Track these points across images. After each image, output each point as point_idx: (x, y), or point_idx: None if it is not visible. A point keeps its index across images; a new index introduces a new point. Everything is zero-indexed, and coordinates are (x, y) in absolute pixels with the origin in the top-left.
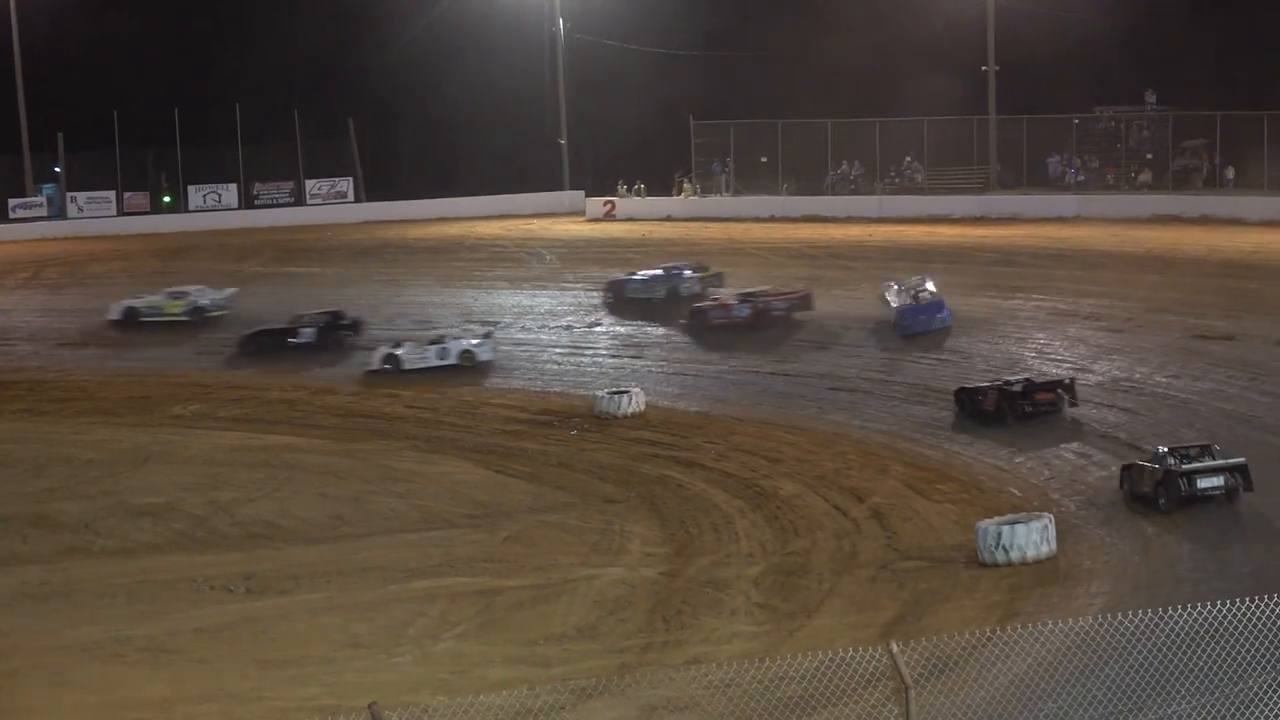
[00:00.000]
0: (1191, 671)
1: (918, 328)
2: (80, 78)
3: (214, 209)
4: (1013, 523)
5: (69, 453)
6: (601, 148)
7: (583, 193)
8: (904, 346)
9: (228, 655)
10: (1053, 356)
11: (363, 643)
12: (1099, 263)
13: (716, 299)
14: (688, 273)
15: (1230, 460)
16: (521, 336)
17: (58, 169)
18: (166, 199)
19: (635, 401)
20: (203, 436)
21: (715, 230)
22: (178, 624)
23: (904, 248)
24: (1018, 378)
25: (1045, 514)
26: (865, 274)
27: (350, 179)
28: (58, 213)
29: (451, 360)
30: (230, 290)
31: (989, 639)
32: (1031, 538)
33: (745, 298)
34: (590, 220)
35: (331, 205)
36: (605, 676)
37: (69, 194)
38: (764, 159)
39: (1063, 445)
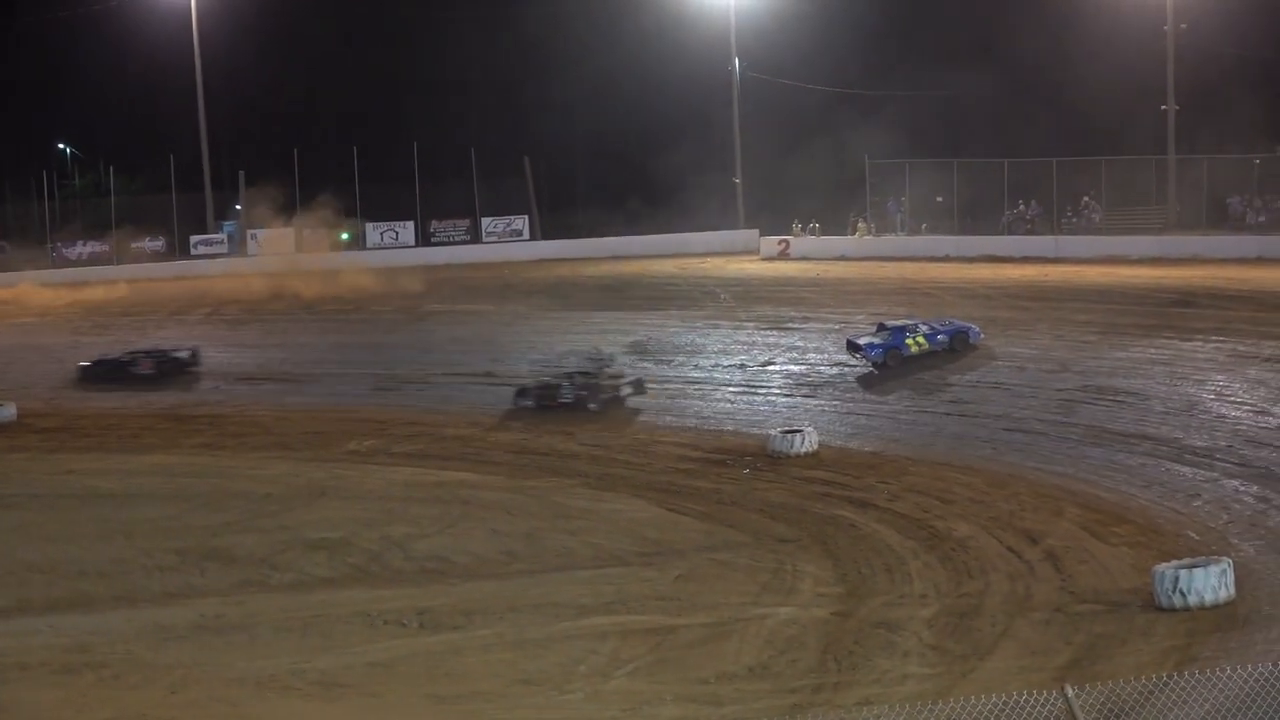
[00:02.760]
0: None
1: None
2: (260, 116)
3: (391, 246)
4: (1190, 566)
5: (246, 487)
6: (776, 186)
7: (757, 231)
8: (1082, 390)
9: (400, 690)
10: (1232, 399)
11: (534, 679)
12: None
13: None
14: None
15: (634, 376)
16: (695, 375)
17: (238, 206)
18: (344, 236)
19: (808, 441)
20: (377, 472)
21: (890, 270)
22: (351, 658)
23: (1080, 288)
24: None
25: (1224, 558)
26: (1040, 314)
27: (526, 217)
28: (237, 250)
29: None
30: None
31: (1165, 684)
32: (1210, 582)
33: None
34: (764, 259)
35: (507, 243)
36: (777, 716)
37: (249, 231)
38: (939, 199)
39: (1242, 489)
